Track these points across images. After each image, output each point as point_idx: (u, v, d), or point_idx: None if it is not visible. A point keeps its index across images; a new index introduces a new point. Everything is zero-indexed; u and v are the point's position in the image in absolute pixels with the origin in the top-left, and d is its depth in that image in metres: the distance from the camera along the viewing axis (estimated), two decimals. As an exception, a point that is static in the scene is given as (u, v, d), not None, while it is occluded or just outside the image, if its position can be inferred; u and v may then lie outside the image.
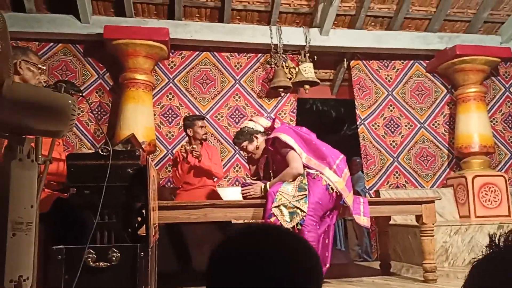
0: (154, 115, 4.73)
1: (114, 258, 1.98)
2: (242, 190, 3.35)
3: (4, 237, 1.13)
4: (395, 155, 5.27)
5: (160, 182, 4.69)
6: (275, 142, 3.17)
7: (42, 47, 4.71)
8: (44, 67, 2.23)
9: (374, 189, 5.14)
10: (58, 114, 1.21)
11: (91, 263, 1.95)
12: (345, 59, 5.46)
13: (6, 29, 1.30)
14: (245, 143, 3.31)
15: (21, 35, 4.47)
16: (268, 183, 3.17)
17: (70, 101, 1.24)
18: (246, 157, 3.64)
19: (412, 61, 5.50)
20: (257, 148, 3.31)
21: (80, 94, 2.54)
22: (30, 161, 1.19)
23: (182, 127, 4.84)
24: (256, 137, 3.31)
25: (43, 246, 1.93)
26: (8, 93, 1.16)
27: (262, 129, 3.36)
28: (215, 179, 4.24)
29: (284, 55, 5.05)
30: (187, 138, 4.65)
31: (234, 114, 5.08)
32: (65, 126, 1.23)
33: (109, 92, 4.82)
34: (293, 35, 4.98)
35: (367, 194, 5.19)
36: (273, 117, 3.81)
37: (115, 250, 1.99)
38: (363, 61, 5.42)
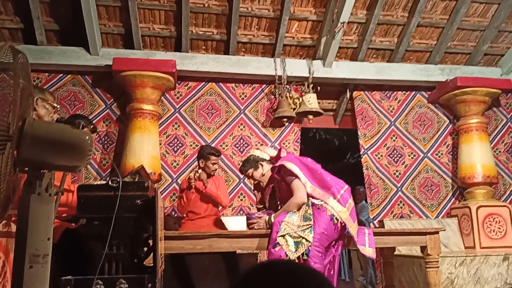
0: (160, 144, 4.80)
1: (122, 289, 1.99)
2: (247, 222, 3.37)
3: (22, 269, 1.17)
4: (399, 185, 5.29)
5: (165, 211, 4.71)
6: (281, 170, 3.22)
7: (52, 78, 4.83)
8: (58, 106, 2.32)
9: (378, 219, 5.13)
10: (77, 150, 1.26)
11: (99, 294, 1.97)
12: (347, 90, 5.55)
13: (29, 68, 1.38)
14: (250, 170, 3.37)
15: (32, 66, 4.48)
16: (272, 215, 3.19)
17: (87, 137, 1.29)
18: (253, 184, 3.67)
19: (414, 92, 5.59)
20: (263, 175, 3.36)
21: (92, 127, 2.62)
22: (48, 195, 1.24)
23: (188, 156, 4.92)
24: (262, 165, 3.36)
25: (52, 276, 1.95)
26: (30, 129, 1.22)
27: (267, 157, 3.42)
28: (220, 208, 4.25)
29: (288, 86, 5.15)
30: (192, 166, 4.71)
31: (239, 143, 5.14)
32: (82, 162, 1.28)
33: (116, 121, 4.90)
34: (296, 67, 5.09)
35: (371, 224, 5.18)
36: (279, 147, 3.86)
37: (123, 281, 2.01)
38: (366, 92, 5.51)
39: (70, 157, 1.27)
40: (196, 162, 4.41)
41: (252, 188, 3.78)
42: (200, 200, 3.95)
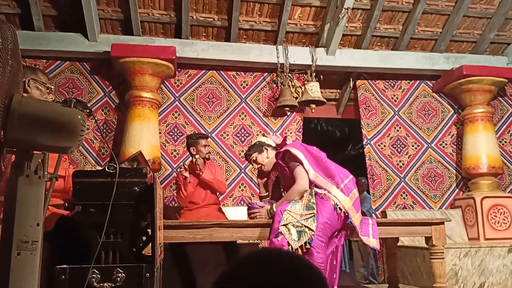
0: (160, 133, 4.72)
1: (119, 279, 1.92)
2: (248, 211, 3.31)
3: (9, 257, 1.09)
4: (402, 175, 5.21)
5: (165, 201, 4.64)
6: (285, 156, 3.16)
7: (49, 64, 4.74)
8: (52, 86, 2.22)
9: (381, 209, 5.07)
10: (68, 130, 1.18)
11: (95, 283, 1.90)
12: (351, 79, 5.46)
13: (17, 45, 1.29)
14: (255, 154, 3.32)
15: (29, 52, 4.49)
16: (274, 205, 3.13)
17: (79, 117, 1.21)
18: (256, 171, 3.61)
19: (418, 81, 5.49)
20: (267, 157, 3.29)
21: (88, 111, 2.53)
22: (38, 177, 1.16)
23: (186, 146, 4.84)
24: (266, 149, 3.31)
25: (46, 265, 1.88)
26: (17, 107, 1.14)
27: (273, 144, 3.36)
28: (220, 198, 4.19)
29: (290, 75, 5.05)
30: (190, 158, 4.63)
31: (240, 132, 5.06)
32: (74, 142, 1.20)
33: (114, 110, 4.82)
34: (299, 55, 4.99)
35: (373, 214, 5.11)
36: (285, 135, 3.80)
37: (120, 271, 1.94)
38: (369, 81, 5.41)
39: (61, 137, 1.19)
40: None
41: (256, 175, 3.71)
42: (199, 193, 3.89)
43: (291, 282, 0.64)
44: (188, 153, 4.83)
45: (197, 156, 3.83)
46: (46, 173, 1.57)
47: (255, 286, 0.64)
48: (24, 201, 1.13)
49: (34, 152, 1.18)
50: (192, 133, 4.41)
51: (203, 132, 4.78)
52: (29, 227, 1.12)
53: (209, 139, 4.22)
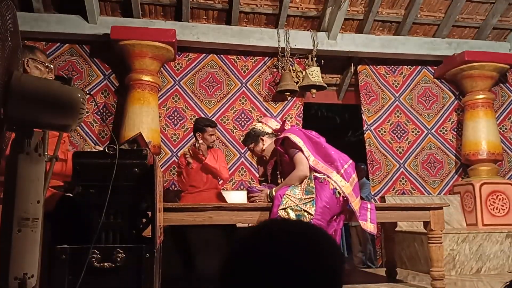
0: (159, 117, 4.70)
1: (119, 259, 1.93)
2: (248, 194, 3.33)
3: (10, 233, 1.09)
4: (401, 161, 5.22)
5: (165, 184, 4.65)
6: (285, 142, 3.16)
7: (49, 47, 4.70)
8: (51, 65, 2.19)
9: (380, 195, 5.08)
10: (67, 107, 1.17)
11: (95, 263, 1.91)
12: (352, 64, 5.43)
13: (16, 22, 1.27)
14: (251, 145, 3.33)
15: (28, 34, 4.45)
16: (274, 189, 3.14)
17: (79, 95, 1.20)
18: (255, 158, 3.62)
19: (419, 67, 5.46)
20: (263, 150, 3.30)
21: (87, 92, 2.51)
22: (38, 155, 1.16)
23: (188, 129, 4.83)
24: (262, 139, 3.30)
25: (47, 245, 1.89)
26: (17, 84, 1.13)
27: (270, 131, 3.34)
28: (221, 182, 4.20)
29: (291, 59, 5.02)
30: (192, 140, 4.63)
31: (240, 117, 5.04)
32: (74, 120, 1.19)
33: (114, 93, 4.80)
34: (300, 39, 4.95)
35: (372, 200, 5.13)
36: (281, 121, 3.78)
37: (120, 251, 1.95)
38: (370, 66, 5.38)
39: (61, 115, 1.18)
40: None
41: (256, 161, 3.72)
42: (199, 177, 3.89)
43: (302, 250, 0.64)
44: (188, 137, 4.85)
45: (201, 141, 3.80)
46: (46, 153, 1.57)
47: (267, 258, 0.64)
48: (24, 178, 1.13)
49: (34, 130, 1.18)
50: (201, 118, 4.34)
51: (203, 116, 4.77)
52: (30, 204, 1.12)
53: (216, 127, 4.15)
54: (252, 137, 3.35)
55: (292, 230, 0.68)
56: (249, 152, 4.75)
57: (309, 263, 0.64)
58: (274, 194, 3.05)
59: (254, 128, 3.41)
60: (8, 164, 1.15)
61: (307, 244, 0.65)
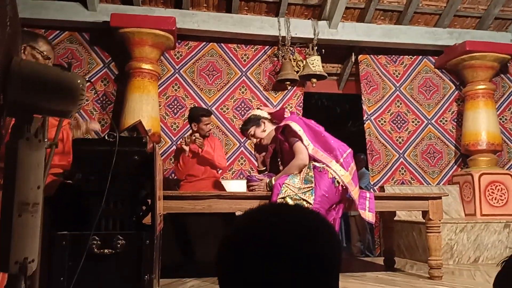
0: (159, 105, 4.70)
1: (119, 245, 1.95)
2: (247, 183, 3.34)
3: (10, 218, 1.10)
4: (401, 151, 5.22)
5: (165, 173, 4.66)
6: (285, 130, 3.16)
7: (48, 34, 4.68)
8: (51, 57, 2.16)
9: (379, 185, 5.10)
10: (68, 93, 1.17)
11: (95, 249, 1.93)
12: (353, 53, 5.41)
13: (16, 8, 1.26)
14: (252, 128, 3.31)
15: (27, 21, 4.42)
16: (273, 178, 3.15)
17: (79, 81, 1.20)
18: (254, 146, 3.62)
19: (420, 57, 5.44)
20: (264, 131, 3.29)
21: (87, 80, 2.50)
22: (38, 141, 1.16)
23: (187, 118, 4.82)
24: (264, 122, 3.30)
25: (47, 231, 1.90)
26: (16, 69, 1.13)
27: (268, 116, 3.35)
28: (219, 171, 4.21)
29: (291, 48, 5.00)
30: (191, 130, 4.64)
31: (240, 106, 5.04)
32: (74, 106, 1.19)
33: (114, 81, 4.79)
34: (301, 28, 4.93)
35: (371, 189, 5.15)
36: (283, 108, 3.78)
37: (120, 237, 1.96)
38: (371, 55, 5.37)
39: (61, 100, 1.18)
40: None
41: (253, 150, 3.72)
42: (197, 164, 3.91)
43: (299, 234, 0.65)
44: (187, 126, 4.84)
45: (196, 134, 3.81)
46: (46, 140, 1.57)
47: (263, 241, 0.64)
48: (24, 163, 1.13)
49: (34, 115, 1.18)
50: (195, 107, 4.36)
51: (203, 105, 4.77)
52: (30, 189, 1.13)
53: (212, 115, 4.17)
54: (253, 121, 3.34)
55: (290, 215, 0.68)
56: (249, 141, 4.76)
57: (306, 248, 0.64)
58: (273, 183, 3.06)
59: (253, 113, 3.42)
60: (8, 149, 1.14)
61: (304, 229, 0.66)
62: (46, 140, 1.56)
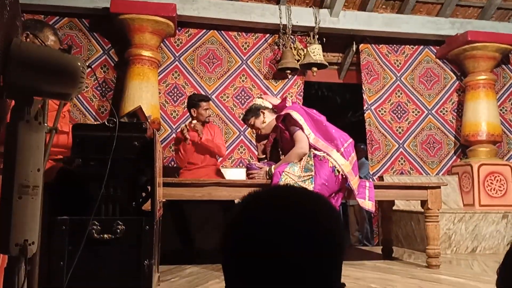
0: (159, 93, 4.68)
1: (118, 231, 1.96)
2: (247, 171, 3.34)
3: (10, 200, 1.10)
4: (401, 141, 5.22)
5: (164, 161, 4.66)
6: (286, 119, 3.16)
7: (48, 20, 4.63)
8: (56, 48, 2.12)
9: (378, 174, 5.11)
10: (68, 76, 1.16)
11: (95, 234, 1.93)
12: (354, 43, 5.37)
13: (14, -13, 1.25)
14: (252, 119, 3.33)
15: (27, 7, 4.38)
16: (273, 166, 3.15)
17: (79, 63, 1.19)
18: (254, 135, 3.62)
19: (422, 47, 5.42)
20: (264, 122, 3.30)
21: (87, 65, 2.49)
22: (38, 123, 1.15)
23: (186, 106, 4.81)
24: (263, 112, 3.31)
25: (47, 216, 1.90)
26: (16, 51, 1.12)
27: (270, 106, 3.35)
28: (219, 160, 4.21)
29: (292, 36, 4.97)
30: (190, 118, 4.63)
31: (240, 95, 5.02)
32: (74, 89, 1.18)
33: (114, 68, 4.76)
34: (302, 16, 4.89)
35: (370, 179, 5.16)
36: (284, 97, 3.77)
37: (120, 223, 1.97)
38: (372, 45, 5.34)
39: (61, 83, 1.17)
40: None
41: (255, 138, 3.73)
42: (196, 152, 3.91)
43: (304, 216, 0.65)
44: (187, 114, 4.83)
45: (194, 121, 3.80)
46: (46, 124, 1.56)
47: (267, 223, 0.64)
48: (24, 146, 1.13)
49: (34, 97, 1.17)
50: (193, 94, 4.37)
51: (204, 93, 4.75)
52: (30, 172, 1.12)
53: (210, 101, 4.18)
54: (253, 111, 3.36)
55: (295, 197, 0.68)
56: (248, 130, 4.76)
57: (311, 231, 0.64)
58: (273, 171, 3.07)
59: (254, 103, 3.43)
60: (8, 132, 1.14)
61: (309, 211, 0.65)
62: (46, 124, 1.56)
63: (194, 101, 3.92)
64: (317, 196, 0.70)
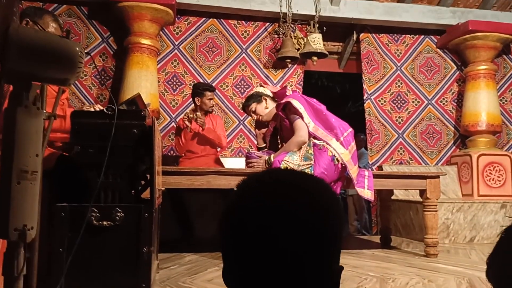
0: (158, 82, 4.66)
1: (118, 218, 1.96)
2: (246, 160, 3.34)
3: (9, 186, 1.10)
4: (400, 131, 5.22)
5: (163, 150, 4.66)
6: (286, 108, 3.15)
7: (46, 7, 4.59)
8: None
9: (377, 164, 5.11)
10: (67, 61, 1.16)
11: (94, 222, 1.94)
12: (354, 32, 5.34)
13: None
14: (253, 105, 3.32)
15: (25, -6, 4.37)
16: (272, 155, 3.15)
17: (77, 48, 1.19)
18: (254, 123, 3.61)
19: (422, 36, 5.39)
20: (266, 108, 3.29)
21: (86, 52, 2.47)
22: (36, 108, 1.15)
23: (187, 95, 4.80)
24: (265, 99, 3.31)
25: (47, 203, 1.91)
26: (14, 36, 1.11)
27: (270, 94, 3.35)
28: (219, 149, 4.21)
29: (292, 25, 4.94)
30: (191, 106, 4.62)
31: (240, 84, 5.00)
32: (72, 74, 1.18)
33: (112, 56, 4.74)
34: (302, 4, 4.86)
35: (370, 169, 5.16)
36: (284, 85, 3.76)
37: (119, 210, 1.98)
38: (373, 34, 5.31)
39: (60, 68, 1.17)
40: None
41: (254, 126, 3.72)
42: (197, 141, 3.91)
43: (304, 200, 0.64)
44: (186, 103, 4.83)
45: (198, 113, 3.80)
46: (44, 110, 1.55)
47: (266, 202, 0.64)
48: (23, 131, 1.12)
49: (32, 83, 1.17)
50: (199, 82, 4.37)
51: (207, 83, 4.73)
52: (29, 157, 1.12)
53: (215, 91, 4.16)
54: (255, 97, 3.36)
55: (294, 180, 0.68)
56: (248, 119, 4.75)
57: (311, 214, 0.63)
58: (272, 160, 3.07)
59: (256, 90, 3.43)
60: (6, 117, 1.14)
61: (308, 194, 0.65)
62: (44, 111, 1.55)
63: (199, 90, 3.91)
64: (320, 181, 0.70)
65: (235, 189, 0.71)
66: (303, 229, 0.62)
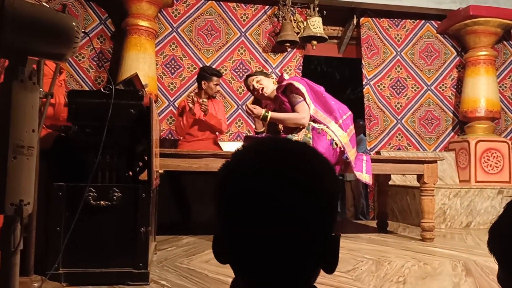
0: (156, 65, 4.63)
1: (115, 198, 1.97)
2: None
3: (5, 160, 1.09)
4: (399, 117, 5.21)
5: (161, 134, 4.65)
6: (287, 90, 3.13)
7: (42, -12, 4.54)
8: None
9: (376, 150, 5.11)
10: (63, 35, 1.14)
11: (91, 201, 1.94)
12: (354, 16, 5.29)
13: None
14: (261, 76, 3.30)
15: (20, -27, 4.29)
16: (270, 112, 3.12)
17: (74, 23, 1.17)
18: (251, 102, 3.57)
19: (423, 21, 5.34)
20: (274, 84, 3.27)
21: (84, 31, 2.45)
22: (32, 83, 1.14)
23: (185, 78, 4.77)
24: (273, 78, 3.34)
25: (44, 182, 1.91)
26: (10, 9, 1.09)
27: (274, 77, 3.38)
28: (217, 134, 4.20)
29: (292, 8, 4.89)
30: (191, 88, 4.61)
31: (238, 68, 4.97)
32: (69, 49, 1.16)
33: (110, 39, 4.69)
34: (302, -13, 4.81)
35: (368, 155, 5.16)
36: (280, 73, 3.73)
37: (117, 190, 1.98)
38: (373, 18, 5.26)
39: (56, 43, 1.15)
40: (195, 84, 4.32)
41: (251, 101, 3.67)
42: (198, 129, 3.91)
43: (300, 166, 0.64)
44: (185, 86, 4.80)
45: (205, 100, 3.79)
46: (41, 88, 1.54)
47: (262, 169, 0.63)
48: (19, 106, 1.11)
49: (28, 57, 1.15)
50: (207, 66, 4.37)
51: (200, 65, 4.70)
52: (25, 132, 1.11)
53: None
54: (264, 73, 3.40)
55: (292, 147, 0.67)
56: (248, 101, 4.72)
57: (310, 182, 0.62)
58: (268, 115, 3.05)
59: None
60: (2, 92, 1.13)
61: (305, 161, 0.65)
62: (41, 89, 1.54)
63: (207, 74, 3.90)
64: (310, 147, 0.70)
65: (230, 159, 0.70)
66: (305, 193, 0.61)
